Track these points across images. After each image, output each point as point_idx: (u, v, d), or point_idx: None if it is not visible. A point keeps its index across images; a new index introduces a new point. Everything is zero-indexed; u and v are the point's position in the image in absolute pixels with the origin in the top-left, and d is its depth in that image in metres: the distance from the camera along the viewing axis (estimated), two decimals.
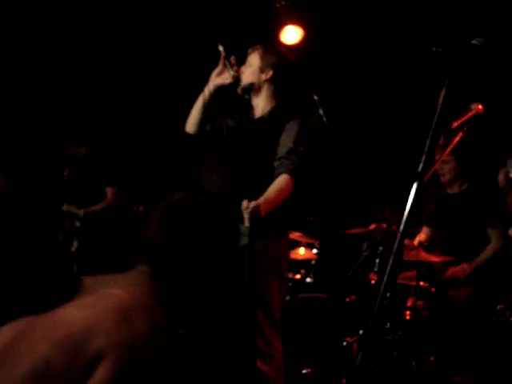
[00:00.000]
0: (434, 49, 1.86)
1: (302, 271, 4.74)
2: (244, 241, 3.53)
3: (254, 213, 3.21)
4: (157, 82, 5.68)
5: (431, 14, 4.77)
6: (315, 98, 5.04)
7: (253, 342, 3.46)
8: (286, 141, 3.52)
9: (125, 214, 5.22)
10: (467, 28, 4.33)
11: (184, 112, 3.76)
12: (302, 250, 4.77)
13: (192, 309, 1.77)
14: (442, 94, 1.79)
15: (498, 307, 3.99)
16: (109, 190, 5.04)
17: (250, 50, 3.66)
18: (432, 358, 3.94)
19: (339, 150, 5.54)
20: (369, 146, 5.67)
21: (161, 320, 1.54)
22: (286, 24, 5.41)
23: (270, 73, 3.59)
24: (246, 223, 3.20)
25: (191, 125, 3.69)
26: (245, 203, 3.20)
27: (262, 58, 3.60)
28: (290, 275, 4.69)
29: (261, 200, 3.28)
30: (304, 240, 4.80)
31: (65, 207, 4.96)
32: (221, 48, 3.55)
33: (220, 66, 3.59)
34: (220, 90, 3.63)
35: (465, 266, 4.24)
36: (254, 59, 3.61)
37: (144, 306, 1.55)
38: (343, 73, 5.64)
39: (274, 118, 3.61)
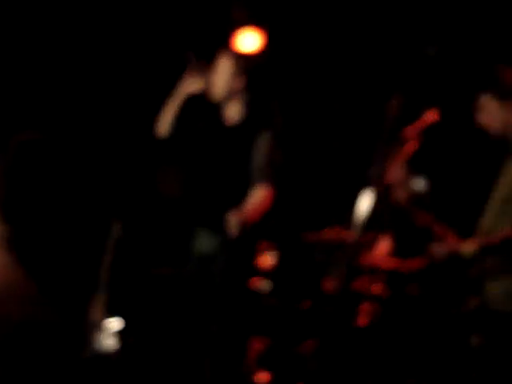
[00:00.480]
0: (388, 57, 1.89)
1: (261, 277, 4.73)
2: (214, 245, 3.64)
3: (241, 223, 3.33)
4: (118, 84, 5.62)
5: (386, 23, 4.83)
6: (274, 105, 5.08)
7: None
8: (263, 150, 3.57)
9: None
10: (420, 37, 4.40)
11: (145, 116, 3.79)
12: (262, 256, 4.76)
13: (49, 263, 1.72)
14: (396, 101, 1.82)
15: (450, 312, 4.06)
16: None
17: (219, 56, 3.64)
18: (386, 363, 3.98)
19: (294, 156, 5.57)
20: (323, 152, 5.71)
21: (24, 293, 1.49)
22: (244, 30, 5.41)
23: (243, 79, 3.59)
24: (233, 232, 3.34)
25: (163, 129, 3.67)
26: (231, 215, 3.33)
27: (234, 64, 3.59)
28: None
29: (246, 210, 3.40)
30: (263, 244, 4.79)
31: None
32: (189, 56, 3.53)
33: (190, 74, 3.58)
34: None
35: (419, 260, 4.29)
36: (225, 65, 3.59)
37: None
38: (297, 81, 5.67)
39: (248, 124, 3.64)
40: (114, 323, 4.15)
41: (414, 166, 4.37)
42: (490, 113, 3.10)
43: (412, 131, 3.51)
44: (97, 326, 4.10)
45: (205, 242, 3.72)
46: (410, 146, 3.54)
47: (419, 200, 3.18)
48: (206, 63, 3.60)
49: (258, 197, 3.53)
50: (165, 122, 3.66)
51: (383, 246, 4.68)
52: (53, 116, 5.06)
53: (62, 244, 4.77)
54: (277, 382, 4.19)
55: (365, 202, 1.78)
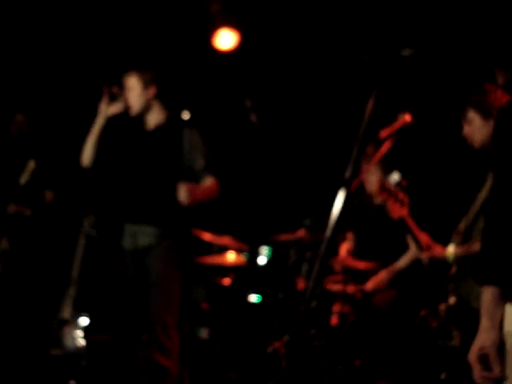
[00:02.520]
0: (363, 58, 1.88)
1: (231, 276, 4.73)
2: (149, 241, 3.78)
3: (188, 192, 3.65)
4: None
5: (361, 24, 4.84)
6: (248, 103, 5.09)
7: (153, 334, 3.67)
8: (198, 150, 3.85)
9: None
10: (396, 38, 4.43)
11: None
12: (231, 255, 4.76)
13: None
14: (370, 102, 1.81)
15: (422, 313, 4.08)
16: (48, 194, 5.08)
17: (125, 77, 3.89)
18: (357, 363, 4.00)
19: (269, 155, 5.58)
20: (298, 152, 5.73)
21: None
22: (221, 28, 5.39)
23: (153, 89, 3.85)
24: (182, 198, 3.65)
25: (86, 159, 3.94)
26: (183, 185, 3.68)
27: (140, 78, 3.84)
28: (218, 280, 4.69)
29: (196, 187, 3.76)
30: (233, 245, 4.79)
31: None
32: (101, 83, 3.86)
33: (105, 99, 3.86)
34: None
35: (383, 274, 4.31)
36: (133, 82, 3.85)
37: None
38: (275, 78, 5.68)
39: (171, 124, 3.90)
40: (84, 319, 4.12)
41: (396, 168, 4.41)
42: (475, 127, 3.17)
43: (387, 132, 3.53)
44: (66, 323, 4.07)
45: (140, 238, 3.84)
46: (385, 147, 3.56)
47: (394, 193, 3.22)
48: (116, 87, 3.87)
49: (209, 186, 3.86)
50: (88, 152, 3.93)
51: (347, 246, 4.70)
52: None
53: (32, 241, 4.74)
54: (248, 382, 4.19)
55: (339, 202, 1.77)
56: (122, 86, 3.88)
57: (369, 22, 4.76)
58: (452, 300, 3.33)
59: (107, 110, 3.86)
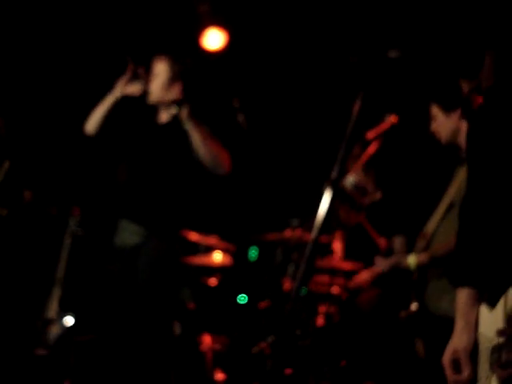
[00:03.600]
0: (350, 59, 1.89)
1: (217, 277, 4.73)
2: (138, 241, 3.70)
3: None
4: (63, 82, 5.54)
5: (349, 25, 4.86)
6: (235, 103, 5.09)
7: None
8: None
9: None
10: (383, 40, 4.44)
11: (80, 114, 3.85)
12: (217, 255, 4.76)
13: None
14: (357, 103, 1.82)
15: (401, 313, 4.10)
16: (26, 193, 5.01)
17: (155, 60, 3.75)
18: (343, 363, 4.00)
19: (255, 155, 5.58)
20: (285, 152, 5.74)
21: None
22: (209, 28, 5.39)
23: (179, 86, 3.70)
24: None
25: (92, 126, 3.78)
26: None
27: (170, 69, 3.70)
28: (204, 280, 4.69)
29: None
30: (220, 245, 4.79)
31: None
32: (129, 59, 3.62)
33: (127, 76, 3.68)
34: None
35: (365, 274, 4.33)
36: (162, 70, 3.70)
37: None
38: (263, 79, 5.68)
39: (178, 124, 3.72)
40: (69, 319, 4.11)
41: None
42: (439, 122, 3.17)
43: (373, 133, 3.55)
44: (51, 323, 4.05)
45: (129, 235, 3.78)
46: (372, 148, 3.58)
47: (349, 198, 3.18)
48: (143, 68, 3.72)
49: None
50: (94, 120, 3.76)
51: (337, 247, 4.71)
52: None
53: (17, 241, 4.71)
54: (234, 382, 4.18)
55: (325, 203, 1.78)
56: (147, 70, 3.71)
57: (356, 24, 4.78)
58: (414, 306, 3.33)
59: (125, 87, 3.68)
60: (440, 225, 3.26)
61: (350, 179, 3.16)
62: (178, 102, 3.64)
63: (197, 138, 3.60)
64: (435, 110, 3.20)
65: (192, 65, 3.84)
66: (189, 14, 5.32)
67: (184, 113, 3.61)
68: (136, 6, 5.23)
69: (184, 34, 5.32)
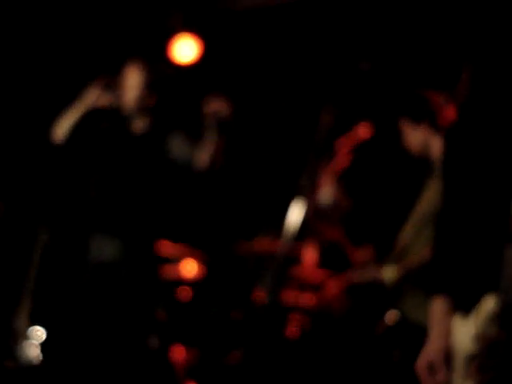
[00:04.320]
0: (323, 69, 1.92)
1: (188, 287, 4.71)
2: (116, 253, 3.72)
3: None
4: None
5: (321, 37, 4.90)
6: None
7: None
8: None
9: None
10: (355, 52, 4.49)
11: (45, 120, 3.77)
12: (189, 266, 4.74)
13: None
14: (327, 114, 1.85)
15: (380, 322, 4.12)
16: None
17: (127, 69, 3.70)
18: (314, 374, 4.02)
19: (228, 165, 5.58)
20: (256, 162, 5.75)
21: None
22: (181, 40, 5.40)
23: (152, 95, 3.68)
24: None
25: (59, 135, 3.70)
26: None
27: (142, 79, 3.66)
28: (176, 290, 4.67)
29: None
30: (192, 255, 4.78)
31: None
32: (101, 68, 3.58)
33: (98, 86, 3.63)
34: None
35: (334, 286, 4.35)
36: (134, 80, 3.66)
37: None
38: (236, 91, 5.70)
39: (157, 132, 3.74)
40: (39, 332, 4.05)
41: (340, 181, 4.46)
42: (408, 136, 3.21)
43: (344, 144, 3.58)
44: (21, 335, 4.00)
45: (104, 249, 3.74)
46: (342, 159, 3.60)
47: (325, 213, 3.18)
48: (113, 77, 3.66)
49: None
50: (62, 129, 3.69)
51: (309, 257, 4.73)
52: None
53: None
54: None
55: (295, 213, 1.79)
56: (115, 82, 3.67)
57: (329, 36, 4.83)
58: (391, 316, 3.35)
59: (96, 98, 3.62)
60: (412, 236, 3.29)
61: (326, 194, 3.17)
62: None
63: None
64: (402, 123, 3.25)
65: (165, 72, 3.82)
66: (161, 26, 5.32)
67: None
68: (108, 16, 5.21)
69: (156, 46, 5.32)
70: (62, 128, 3.68)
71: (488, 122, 1.93)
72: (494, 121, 1.92)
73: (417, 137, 3.17)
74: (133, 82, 3.66)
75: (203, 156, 3.71)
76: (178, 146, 3.75)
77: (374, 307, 4.22)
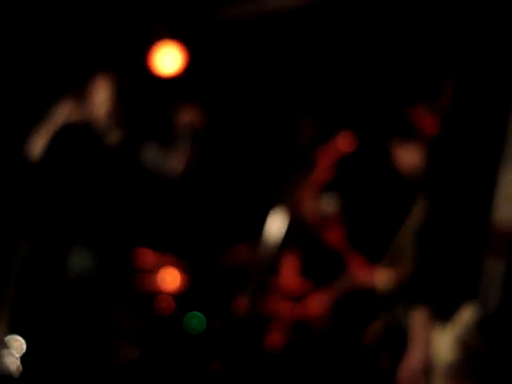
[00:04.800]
0: (303, 77, 1.93)
1: (169, 296, 4.70)
2: (91, 263, 3.73)
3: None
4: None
5: (303, 47, 4.92)
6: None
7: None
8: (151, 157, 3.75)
9: None
10: (336, 59, 4.52)
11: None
12: (169, 273, 4.74)
13: None
14: (307, 121, 1.86)
15: (364, 332, 4.13)
16: None
17: (96, 80, 3.74)
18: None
19: (209, 172, 5.58)
20: (235, 171, 5.76)
21: None
22: (163, 50, 5.40)
23: (121, 104, 3.73)
24: None
25: (34, 154, 3.74)
26: None
27: (108, 88, 3.70)
28: (156, 298, 4.65)
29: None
30: (172, 263, 4.77)
31: None
32: (74, 80, 3.57)
33: (69, 101, 3.66)
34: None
35: (324, 295, 4.37)
36: (101, 91, 3.70)
37: None
38: (214, 100, 5.71)
39: (130, 141, 3.78)
40: (18, 342, 4.02)
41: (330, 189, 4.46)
42: (399, 153, 3.24)
43: (325, 154, 3.60)
44: (0, 345, 3.97)
45: (82, 260, 3.71)
46: (323, 169, 3.62)
47: (329, 220, 3.21)
48: (82, 90, 3.63)
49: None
50: (36, 147, 3.71)
51: (290, 267, 4.73)
52: None
53: None
54: None
55: (276, 222, 1.80)
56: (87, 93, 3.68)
57: (309, 45, 4.85)
58: (382, 322, 3.38)
59: (67, 112, 3.66)
60: (404, 246, 3.32)
61: (331, 201, 3.23)
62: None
63: None
64: (395, 141, 3.28)
65: (136, 83, 3.83)
66: (144, 36, 5.32)
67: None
68: (91, 25, 5.20)
69: (138, 55, 5.31)
70: (37, 147, 3.71)
71: (470, 134, 1.96)
72: (476, 133, 1.95)
73: (408, 155, 3.19)
74: (102, 95, 3.70)
75: (176, 165, 3.72)
76: (151, 156, 3.77)
77: (361, 315, 4.25)
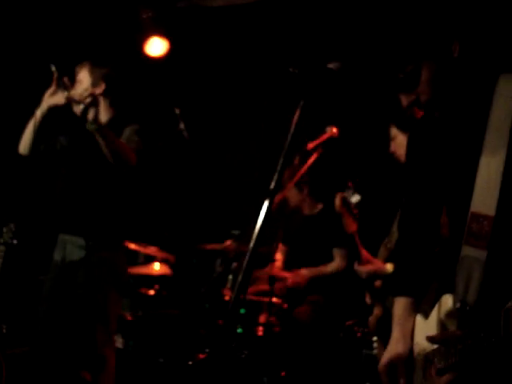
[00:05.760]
0: (290, 69, 1.89)
1: (156, 286, 4.67)
2: (81, 254, 3.61)
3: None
4: None
5: (289, 35, 4.88)
6: (177, 111, 5.04)
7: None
8: (128, 134, 3.67)
9: None
10: (324, 51, 4.48)
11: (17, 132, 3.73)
12: (157, 266, 4.71)
13: None
14: (296, 114, 1.82)
15: (347, 323, 4.13)
16: None
17: (78, 68, 3.70)
18: (283, 374, 4.00)
19: (197, 165, 5.55)
20: (225, 163, 5.73)
21: None
22: (152, 35, 5.36)
23: (103, 86, 3.67)
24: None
25: (24, 146, 3.70)
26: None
27: (92, 73, 3.66)
28: (144, 290, 4.63)
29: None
30: (159, 255, 4.74)
31: None
32: (53, 68, 3.53)
33: (53, 87, 3.58)
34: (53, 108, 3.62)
35: (304, 270, 4.36)
36: (84, 76, 3.66)
37: None
38: (206, 87, 5.67)
39: (113, 127, 3.67)
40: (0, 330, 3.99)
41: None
42: (399, 144, 3.22)
43: (313, 145, 3.57)
44: None
45: (70, 250, 3.68)
46: (311, 159, 3.59)
47: (351, 209, 3.32)
48: (67, 76, 3.61)
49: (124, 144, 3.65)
50: (25, 140, 3.68)
51: (278, 257, 4.72)
52: None
53: None
54: None
55: (263, 214, 1.76)
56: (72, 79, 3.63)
57: (297, 34, 4.81)
58: (377, 311, 3.39)
59: (50, 98, 3.58)
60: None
61: (352, 193, 3.33)
62: (85, 102, 3.57)
63: (103, 143, 3.52)
64: (394, 132, 3.27)
65: (116, 69, 3.79)
66: (131, 21, 5.27)
67: (92, 113, 3.57)
68: (79, 12, 5.15)
69: (126, 41, 5.27)
70: (26, 139, 3.68)
71: (449, 122, 1.93)
72: (455, 122, 1.92)
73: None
74: (82, 78, 3.66)
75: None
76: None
77: (341, 304, 4.24)
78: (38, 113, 3.62)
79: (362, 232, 3.98)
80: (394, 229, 3.36)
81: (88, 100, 3.62)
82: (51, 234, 3.80)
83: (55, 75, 3.55)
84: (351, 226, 3.35)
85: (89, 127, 3.50)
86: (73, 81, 3.66)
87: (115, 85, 3.72)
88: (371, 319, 3.44)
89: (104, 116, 3.72)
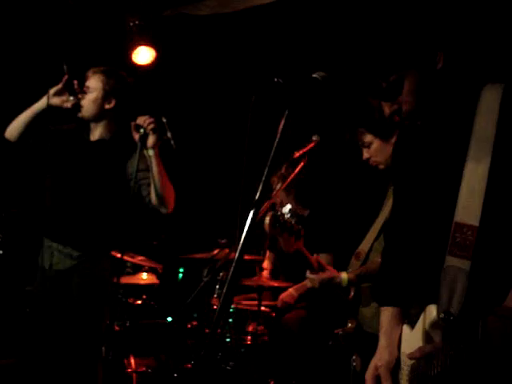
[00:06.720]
0: (275, 79, 1.89)
1: (144, 296, 4.65)
2: (69, 263, 3.57)
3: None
4: None
5: (275, 45, 4.89)
6: (163, 120, 5.02)
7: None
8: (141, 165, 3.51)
9: None
10: (309, 61, 4.49)
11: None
12: (144, 275, 4.69)
13: None
14: (282, 124, 1.82)
15: (336, 331, 4.12)
16: None
17: (90, 73, 3.61)
18: (272, 382, 4.00)
19: (184, 174, 5.54)
20: (211, 172, 5.72)
21: None
22: (139, 44, 5.36)
23: (113, 102, 3.59)
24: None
25: (12, 132, 3.58)
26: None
27: (105, 85, 3.57)
28: (131, 300, 4.60)
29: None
30: (147, 264, 4.72)
31: None
32: (65, 68, 3.46)
33: (60, 86, 3.51)
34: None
35: (291, 290, 4.34)
36: (96, 85, 3.57)
37: None
38: (192, 96, 5.67)
39: (116, 141, 3.62)
40: None
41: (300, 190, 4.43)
42: (376, 150, 3.19)
43: (299, 154, 3.56)
44: None
45: (58, 258, 3.63)
46: (297, 168, 3.59)
47: (288, 226, 3.14)
48: (76, 80, 3.55)
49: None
50: (15, 126, 3.57)
51: (266, 265, 4.72)
52: None
53: None
54: None
55: (250, 222, 1.76)
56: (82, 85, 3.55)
57: (282, 44, 4.82)
58: (350, 325, 3.37)
59: (56, 98, 3.49)
60: (374, 244, 3.30)
61: (287, 207, 3.13)
62: (147, 128, 3.42)
63: (155, 170, 3.43)
64: (370, 138, 3.22)
65: (126, 80, 3.72)
66: (119, 29, 5.27)
67: (152, 139, 3.43)
68: (67, 20, 5.14)
69: (113, 49, 5.26)
70: (16, 125, 3.57)
71: (435, 129, 1.94)
72: (440, 129, 1.92)
73: (387, 150, 3.15)
74: (95, 86, 3.57)
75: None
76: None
77: (326, 315, 4.23)
78: (38, 105, 3.52)
79: (335, 241, 3.96)
80: (368, 237, 3.33)
81: (94, 113, 3.58)
82: (37, 243, 3.75)
83: (65, 76, 3.47)
84: (288, 246, 3.12)
85: (147, 153, 3.40)
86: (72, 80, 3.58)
87: (123, 100, 3.64)
88: (342, 333, 3.42)
89: (106, 130, 3.64)
